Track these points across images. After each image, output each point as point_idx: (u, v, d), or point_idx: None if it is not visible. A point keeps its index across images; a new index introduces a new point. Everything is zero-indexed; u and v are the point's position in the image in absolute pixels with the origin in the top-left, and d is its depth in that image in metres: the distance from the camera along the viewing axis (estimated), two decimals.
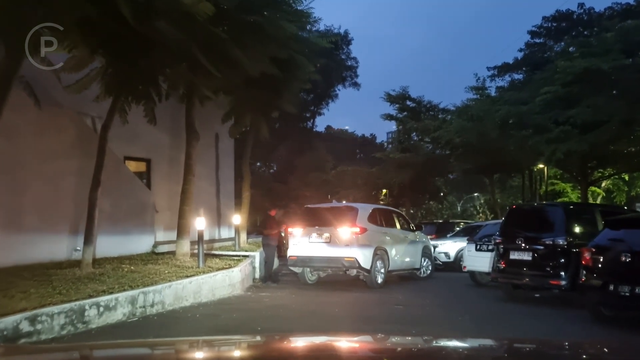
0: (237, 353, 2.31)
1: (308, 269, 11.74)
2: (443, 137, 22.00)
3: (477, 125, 19.44)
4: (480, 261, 12.00)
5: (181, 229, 11.24)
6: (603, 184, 24.94)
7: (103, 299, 7.04)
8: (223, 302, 9.14)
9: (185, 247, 11.16)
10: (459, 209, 42.47)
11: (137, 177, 13.95)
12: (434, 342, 2.69)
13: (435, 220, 24.17)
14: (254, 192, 30.57)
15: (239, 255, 12.43)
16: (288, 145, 37.23)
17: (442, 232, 19.74)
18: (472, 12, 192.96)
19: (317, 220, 11.43)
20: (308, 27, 16.57)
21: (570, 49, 21.23)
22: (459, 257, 16.84)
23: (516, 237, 9.47)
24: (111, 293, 7.32)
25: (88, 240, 9.03)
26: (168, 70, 10.03)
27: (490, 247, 11.82)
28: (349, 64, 44.42)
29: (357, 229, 10.85)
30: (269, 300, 9.53)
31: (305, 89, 36.61)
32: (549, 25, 31.89)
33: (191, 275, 9.08)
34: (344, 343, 2.52)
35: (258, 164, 43.73)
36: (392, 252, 11.77)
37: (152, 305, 7.84)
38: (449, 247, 17.14)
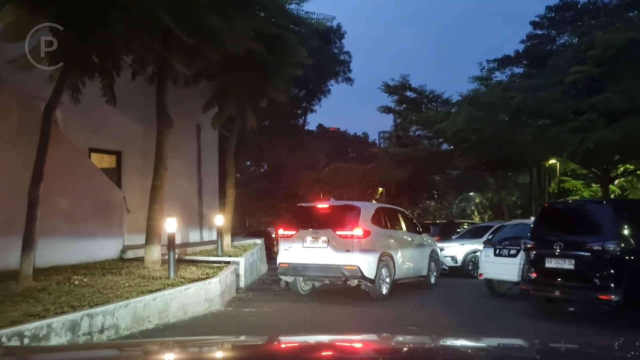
0: (239, 354, 2.27)
1: (301, 278, 10.07)
2: (449, 128, 20.15)
3: (489, 115, 17.64)
4: (500, 268, 10.37)
5: (150, 232, 9.51)
6: (616, 181, 23.36)
7: (29, 327, 5.29)
8: (196, 322, 7.42)
9: (155, 253, 9.44)
10: (454, 209, 41.08)
11: (105, 172, 12.17)
12: (440, 341, 2.54)
13: (438, 221, 22.53)
14: (243, 192, 28.90)
15: (220, 262, 10.75)
16: (279, 143, 35.48)
17: (446, 233, 18.22)
18: (461, 11, 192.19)
19: (312, 222, 9.75)
20: (301, 9, 14.81)
21: (573, 39, 19.52)
22: (467, 261, 15.33)
23: (553, 242, 7.81)
24: (44, 317, 5.58)
25: (27, 247, 7.26)
26: (132, 41, 8.25)
27: (512, 252, 10.24)
28: (342, 58, 42.70)
29: (360, 232, 9.17)
30: (253, 319, 7.84)
31: (297, 82, 35.11)
32: (553, 15, 30.39)
33: (157, 290, 7.33)
34: (347, 343, 2.40)
35: (248, 162, 41.99)
36: (398, 258, 10.13)
37: (101, 331, 6.09)
38: (455, 250, 15.55)
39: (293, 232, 9.80)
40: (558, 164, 22.40)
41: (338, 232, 9.30)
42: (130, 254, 11.11)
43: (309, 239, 9.55)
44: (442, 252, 14.62)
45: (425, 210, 35.03)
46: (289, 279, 10.05)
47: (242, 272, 11.05)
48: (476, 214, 36.32)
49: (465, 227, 20.23)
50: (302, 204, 10.93)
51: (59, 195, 10.00)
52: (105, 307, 6.23)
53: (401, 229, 10.86)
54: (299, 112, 43.37)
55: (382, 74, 79.92)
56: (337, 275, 9.35)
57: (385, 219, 10.24)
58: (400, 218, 11.16)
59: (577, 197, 22.92)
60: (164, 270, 8.77)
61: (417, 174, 28.11)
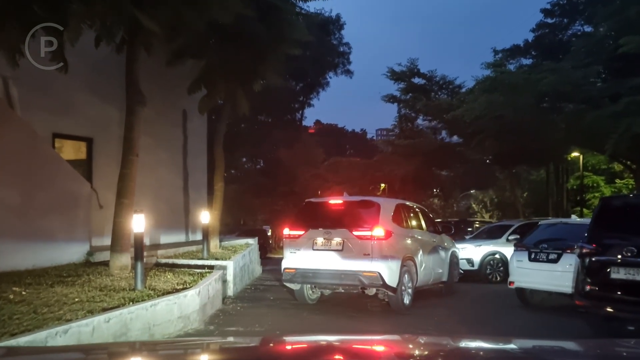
0: (252, 354, 2.16)
1: (309, 286, 8.48)
2: (466, 115, 18.33)
3: (511, 99, 15.85)
4: (536, 275, 8.73)
5: (117, 232, 7.84)
6: None
7: None
8: None
9: (122, 257, 7.77)
10: (454, 207, 39.60)
11: (73, 162, 10.49)
12: (457, 343, 2.41)
13: (449, 220, 20.95)
14: (238, 188, 27.22)
15: (204, 266, 9.09)
16: (275, 139, 33.90)
17: (459, 233, 16.65)
18: (464, 9, 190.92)
19: (323, 220, 8.24)
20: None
21: (585, 27, 17.89)
22: (484, 265, 13.74)
23: (619, 246, 6.17)
24: None
25: None
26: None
27: (551, 257, 8.62)
28: (341, 49, 41.09)
29: (381, 232, 7.61)
30: None
31: (295, 74, 33.46)
32: (565, 3, 28.80)
33: (113, 307, 5.66)
34: (352, 344, 2.27)
35: (244, 159, 40.39)
36: (420, 263, 8.57)
37: None
38: (471, 253, 13.92)
39: (301, 232, 8.27)
40: (581, 157, 20.74)
41: (355, 233, 7.78)
42: (99, 257, 9.41)
43: (320, 240, 8.01)
44: None
45: (428, 208, 33.44)
46: (296, 286, 8.48)
47: (230, 277, 9.47)
48: (484, 212, 34.66)
49: (477, 226, 18.74)
50: (311, 200, 9.31)
51: (10, 188, 8.35)
52: (33, 336, 4.54)
53: (422, 228, 9.27)
54: (296, 105, 41.78)
55: (381, 72, 78.45)
56: (354, 283, 7.80)
57: (405, 218, 8.68)
58: (421, 216, 9.54)
59: (597, 194, 21.32)
60: (132, 279, 7.10)
61: (423, 169, 26.38)
